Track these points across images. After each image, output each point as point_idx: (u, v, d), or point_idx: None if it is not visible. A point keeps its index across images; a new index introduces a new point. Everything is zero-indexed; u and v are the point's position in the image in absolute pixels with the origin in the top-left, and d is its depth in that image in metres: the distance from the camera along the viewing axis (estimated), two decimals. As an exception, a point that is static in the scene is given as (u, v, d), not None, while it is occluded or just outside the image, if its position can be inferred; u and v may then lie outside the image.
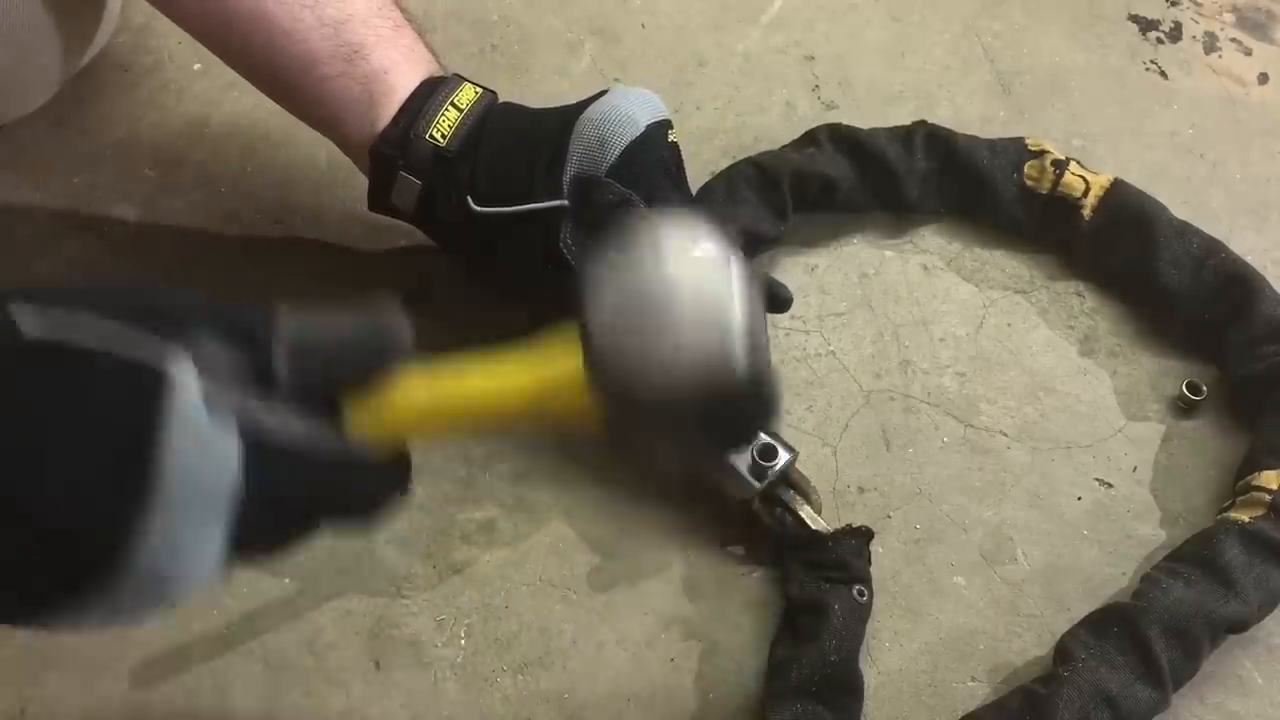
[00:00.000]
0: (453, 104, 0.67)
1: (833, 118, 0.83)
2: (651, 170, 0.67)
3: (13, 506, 0.38)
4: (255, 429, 0.41)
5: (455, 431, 0.51)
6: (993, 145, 0.81)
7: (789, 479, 0.68)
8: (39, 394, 0.38)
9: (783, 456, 0.66)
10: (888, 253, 0.82)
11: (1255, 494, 0.68)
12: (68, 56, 0.80)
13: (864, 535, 0.67)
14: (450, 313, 0.76)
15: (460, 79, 0.69)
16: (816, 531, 0.67)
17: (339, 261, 0.78)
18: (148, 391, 0.38)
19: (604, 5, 0.93)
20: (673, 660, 0.65)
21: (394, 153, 0.67)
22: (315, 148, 0.83)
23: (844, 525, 0.67)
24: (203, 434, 0.39)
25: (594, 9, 0.93)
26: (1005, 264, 0.81)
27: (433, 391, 0.48)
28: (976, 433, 0.74)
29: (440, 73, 0.70)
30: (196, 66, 0.86)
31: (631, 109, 0.67)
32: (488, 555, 0.68)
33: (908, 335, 0.78)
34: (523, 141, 0.67)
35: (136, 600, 0.40)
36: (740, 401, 0.46)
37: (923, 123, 0.81)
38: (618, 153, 0.66)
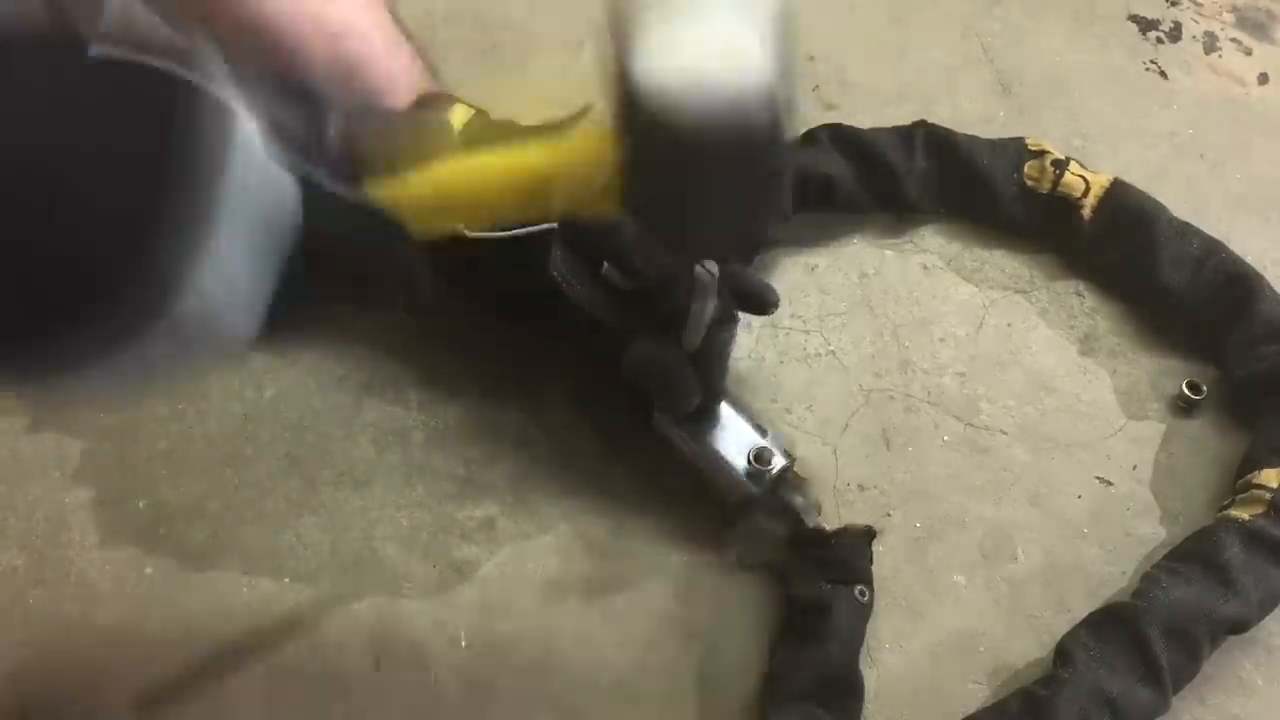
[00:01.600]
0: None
1: (833, 118, 0.83)
2: None
3: (82, 208, 0.36)
4: (309, 176, 0.41)
5: (470, 213, 0.51)
6: (993, 145, 0.81)
7: (787, 483, 0.68)
8: (116, 102, 0.37)
9: (779, 461, 0.66)
10: (888, 253, 0.82)
11: (1255, 492, 0.68)
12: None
13: (866, 535, 0.67)
14: (450, 313, 0.76)
15: (452, 99, 0.68)
16: (819, 530, 0.67)
17: (339, 261, 0.78)
18: (217, 117, 0.38)
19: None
20: (673, 660, 0.65)
21: None
22: (315, 148, 0.83)
23: (846, 524, 0.67)
24: (265, 166, 0.39)
25: (594, 9, 0.92)
26: (1005, 264, 0.81)
27: (449, 171, 0.49)
28: (977, 432, 0.74)
29: (435, 89, 0.70)
30: (197, 67, 0.86)
31: None
32: (488, 555, 0.68)
33: (908, 335, 0.78)
34: None
35: (180, 340, 0.38)
36: (769, 123, 0.45)
37: (923, 123, 0.81)
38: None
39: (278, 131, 0.41)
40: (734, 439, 0.67)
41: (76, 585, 0.66)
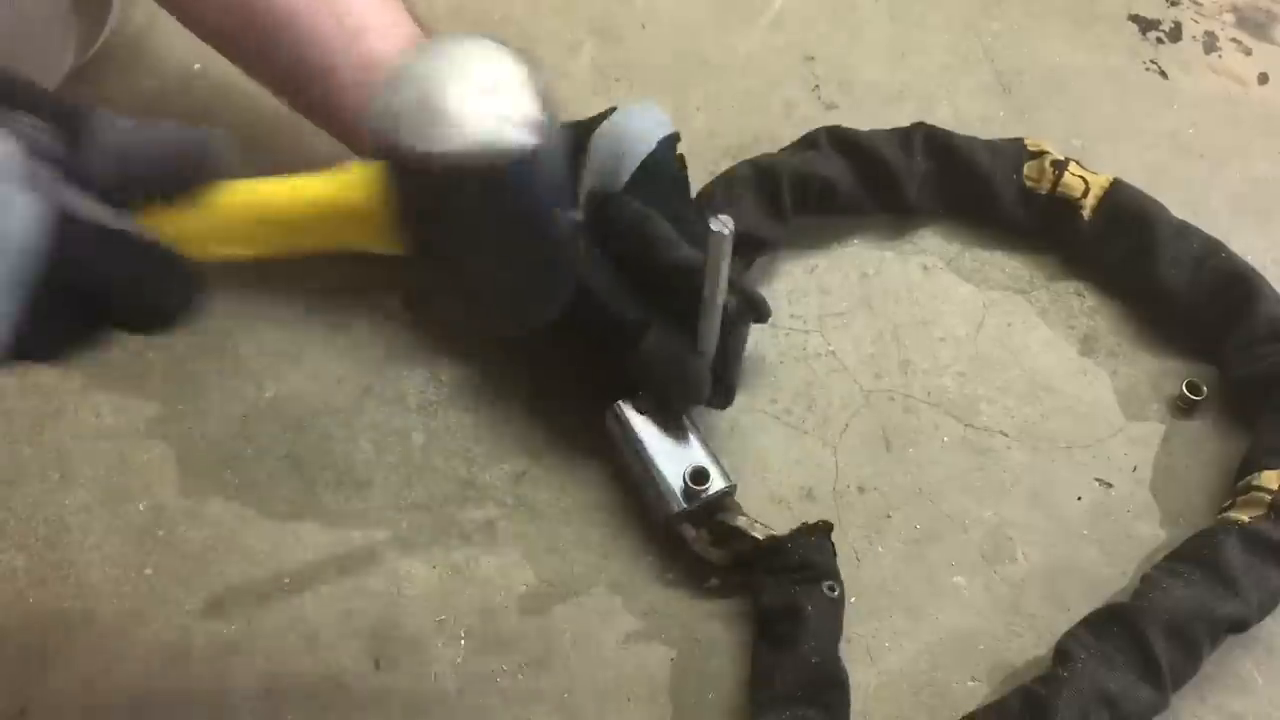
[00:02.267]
0: None
1: (833, 118, 0.83)
2: (666, 186, 0.67)
3: None
4: (62, 201, 0.40)
5: (247, 243, 0.51)
6: (992, 145, 0.81)
7: (720, 507, 0.67)
8: None
9: (716, 483, 0.66)
10: (888, 253, 0.82)
11: (1255, 494, 0.68)
12: (71, 47, 0.80)
13: (823, 530, 0.66)
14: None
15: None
16: (775, 537, 0.66)
17: (340, 261, 0.78)
18: None
19: (604, 5, 0.93)
20: (672, 660, 0.65)
21: None
22: (315, 147, 0.83)
23: (801, 524, 0.67)
24: (7, 187, 0.38)
25: (594, 9, 0.93)
26: (1005, 264, 0.81)
27: (225, 198, 0.49)
28: (976, 433, 0.74)
29: None
30: (197, 67, 0.86)
31: (644, 126, 0.68)
32: (488, 555, 0.68)
33: (908, 335, 0.78)
34: None
35: None
36: (527, 168, 0.45)
37: (922, 124, 0.81)
38: (633, 170, 0.66)
39: (35, 151, 0.40)
40: (679, 455, 0.67)
41: (76, 585, 0.66)
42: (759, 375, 0.75)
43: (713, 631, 0.66)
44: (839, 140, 0.80)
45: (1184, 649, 0.63)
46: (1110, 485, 0.73)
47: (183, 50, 0.87)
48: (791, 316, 0.78)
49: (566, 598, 0.67)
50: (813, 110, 0.88)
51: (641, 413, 0.68)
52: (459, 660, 0.65)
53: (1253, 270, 0.76)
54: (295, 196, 0.50)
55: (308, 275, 0.77)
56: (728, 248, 0.60)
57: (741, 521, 0.66)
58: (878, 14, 0.95)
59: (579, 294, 0.63)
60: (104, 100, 0.83)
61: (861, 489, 0.72)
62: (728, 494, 0.67)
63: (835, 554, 0.66)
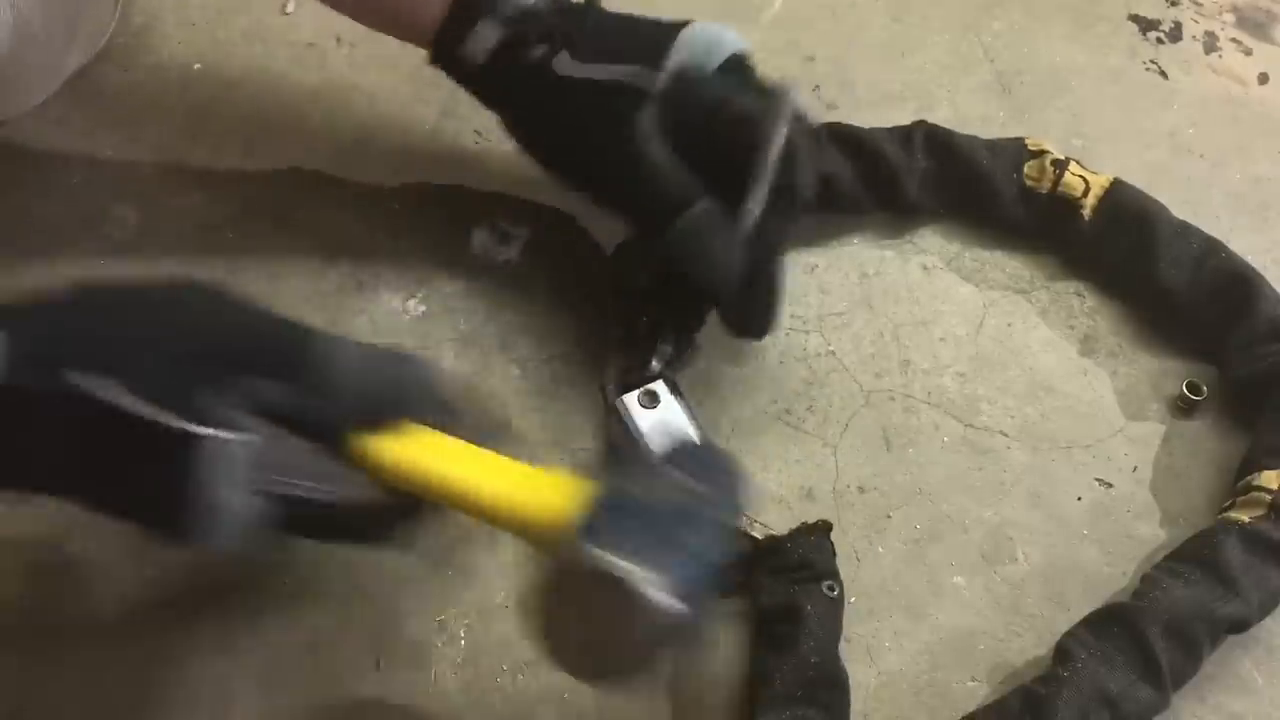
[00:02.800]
0: None
1: (833, 118, 0.83)
2: (751, 84, 0.69)
3: (109, 492, 0.52)
4: (279, 491, 0.51)
5: (431, 497, 0.55)
6: (993, 145, 0.81)
7: None
8: (113, 439, 0.50)
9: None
10: (888, 253, 0.82)
11: (1255, 494, 0.68)
12: (72, 47, 0.80)
13: (822, 530, 0.66)
14: (453, 316, 0.76)
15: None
16: (774, 537, 0.66)
17: (340, 261, 0.78)
18: (179, 453, 0.49)
19: (604, 5, 0.93)
20: (673, 660, 0.65)
21: (482, 2, 0.67)
22: (316, 147, 0.83)
23: (800, 524, 0.67)
24: (230, 490, 0.49)
25: (594, 9, 0.93)
26: (1005, 264, 0.81)
27: (431, 459, 0.54)
28: (976, 433, 0.74)
29: None
30: (197, 67, 0.86)
31: (734, 35, 0.70)
32: (488, 555, 0.68)
33: (908, 335, 0.78)
34: (627, 28, 0.69)
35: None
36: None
37: (922, 122, 0.81)
38: (721, 61, 0.68)
39: (266, 410, 0.51)
40: (670, 437, 0.67)
41: (77, 585, 0.66)
42: (759, 375, 0.75)
43: (713, 632, 0.66)
44: (839, 137, 0.80)
45: (1184, 649, 0.63)
46: (1110, 485, 0.73)
47: (183, 50, 0.87)
48: (791, 316, 0.78)
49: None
50: (812, 110, 0.87)
51: (644, 406, 0.68)
52: (459, 660, 0.65)
53: (1253, 270, 0.76)
54: (496, 499, 0.54)
55: (308, 273, 0.77)
56: (789, 108, 0.62)
57: (740, 522, 0.66)
58: (878, 14, 0.95)
59: (632, 164, 0.65)
60: (104, 100, 0.84)
61: (861, 489, 0.72)
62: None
63: (835, 554, 0.66)
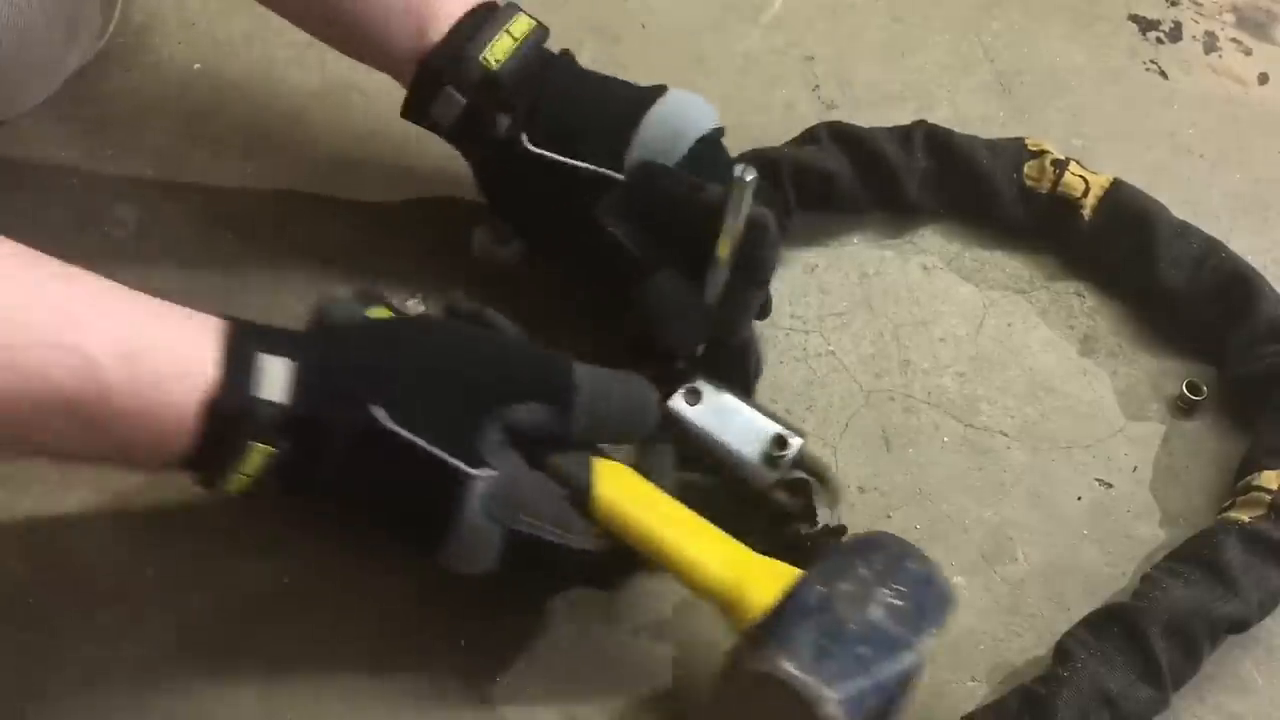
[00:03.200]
0: (508, 31, 0.67)
1: (833, 118, 0.83)
2: (718, 172, 0.67)
3: (379, 508, 0.59)
4: (512, 523, 0.56)
5: (649, 555, 0.59)
6: (993, 145, 0.81)
7: (804, 464, 0.68)
8: (389, 464, 0.56)
9: (794, 443, 0.67)
10: (888, 253, 0.82)
11: (1255, 494, 0.68)
12: (73, 47, 0.80)
13: (836, 534, 0.66)
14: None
15: (515, 8, 0.69)
16: (794, 533, 0.66)
17: (340, 262, 0.78)
18: (448, 486, 0.55)
19: (604, 5, 0.93)
20: (674, 660, 0.65)
21: (444, 66, 0.67)
22: (316, 147, 0.83)
23: (821, 525, 0.67)
24: (476, 517, 0.56)
25: (594, 9, 0.93)
26: (1005, 264, 0.81)
27: (658, 522, 0.59)
28: (976, 433, 0.74)
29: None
30: (197, 67, 0.86)
31: (702, 111, 0.69)
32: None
33: (908, 335, 0.78)
34: (592, 104, 0.69)
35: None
36: None
37: (922, 122, 0.81)
38: (688, 148, 0.67)
39: (534, 429, 0.57)
40: (746, 426, 0.68)
41: (76, 585, 0.66)
42: (759, 375, 0.75)
43: (714, 632, 0.66)
44: (839, 135, 0.80)
45: (1184, 649, 0.63)
46: (1110, 485, 0.73)
47: (183, 50, 0.87)
48: (791, 316, 0.78)
49: (566, 597, 0.67)
50: (812, 110, 0.88)
51: (691, 405, 0.69)
52: (460, 660, 0.65)
53: (1253, 270, 0.77)
54: (708, 575, 0.58)
55: (308, 274, 0.77)
56: (749, 194, 0.62)
57: (817, 497, 0.67)
58: (878, 14, 0.95)
59: (594, 243, 0.66)
60: (104, 100, 0.84)
61: (861, 489, 0.72)
62: (804, 448, 0.68)
63: None
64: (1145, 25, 0.96)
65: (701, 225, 0.65)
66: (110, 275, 0.75)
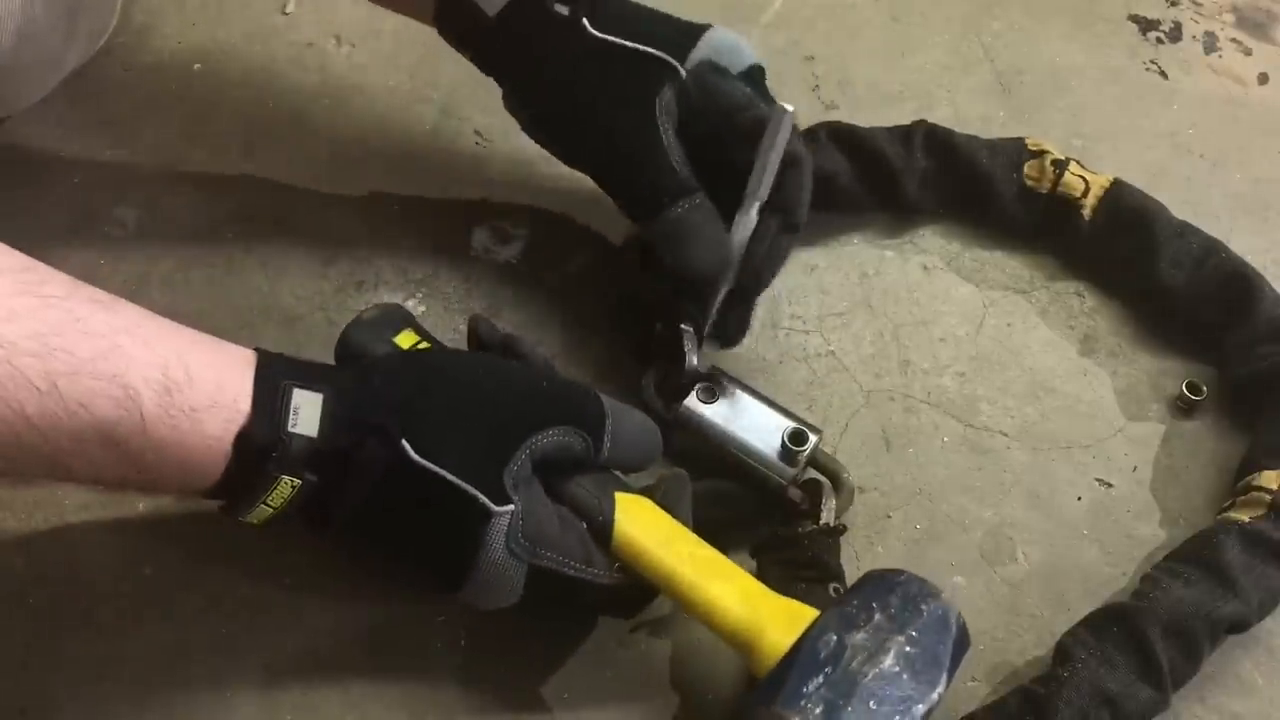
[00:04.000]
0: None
1: (833, 118, 0.83)
2: (763, 95, 0.70)
3: (402, 556, 0.60)
4: (536, 559, 0.57)
5: (667, 592, 0.60)
6: (992, 145, 0.81)
7: (818, 461, 0.69)
8: (415, 497, 0.56)
9: (812, 438, 0.67)
10: (888, 253, 0.82)
11: (1255, 494, 0.68)
12: (72, 46, 0.80)
13: (836, 532, 0.67)
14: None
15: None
16: (792, 531, 0.66)
17: (340, 261, 0.78)
18: (473, 521, 0.55)
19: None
20: (673, 659, 0.65)
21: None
22: (316, 147, 0.83)
23: (820, 524, 0.67)
24: (504, 554, 0.56)
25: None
26: (1005, 264, 0.81)
27: (676, 560, 0.59)
28: (976, 433, 0.74)
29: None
30: (197, 66, 0.86)
31: (749, 47, 0.71)
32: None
33: (908, 335, 0.78)
34: (651, 13, 0.70)
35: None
36: None
37: (922, 122, 0.81)
38: (742, 68, 0.70)
39: (571, 457, 0.59)
40: (762, 422, 0.68)
41: (76, 584, 0.66)
42: (759, 375, 0.75)
43: (711, 634, 0.66)
44: (839, 135, 0.80)
45: (1184, 649, 0.63)
46: (1110, 485, 0.73)
47: (183, 50, 0.87)
48: (791, 317, 0.78)
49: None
50: (812, 110, 0.88)
51: (707, 403, 0.69)
52: (459, 660, 0.65)
53: (1253, 270, 0.76)
54: (711, 605, 0.58)
55: (309, 275, 0.77)
56: (787, 128, 0.63)
57: (827, 499, 0.68)
58: (878, 14, 0.95)
59: (643, 141, 0.66)
60: (104, 99, 0.84)
61: (861, 489, 0.72)
62: (818, 445, 0.68)
63: (840, 555, 0.67)
64: (1145, 25, 0.96)
65: (743, 145, 0.65)
66: (110, 274, 0.76)
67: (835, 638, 0.53)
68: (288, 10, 0.90)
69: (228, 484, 0.54)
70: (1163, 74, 0.93)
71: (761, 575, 0.65)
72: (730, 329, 0.72)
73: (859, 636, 0.53)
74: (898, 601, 0.55)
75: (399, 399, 0.57)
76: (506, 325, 0.76)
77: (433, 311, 0.76)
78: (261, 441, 0.53)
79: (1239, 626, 0.65)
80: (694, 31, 0.68)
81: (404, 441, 0.55)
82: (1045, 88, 0.91)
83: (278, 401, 0.53)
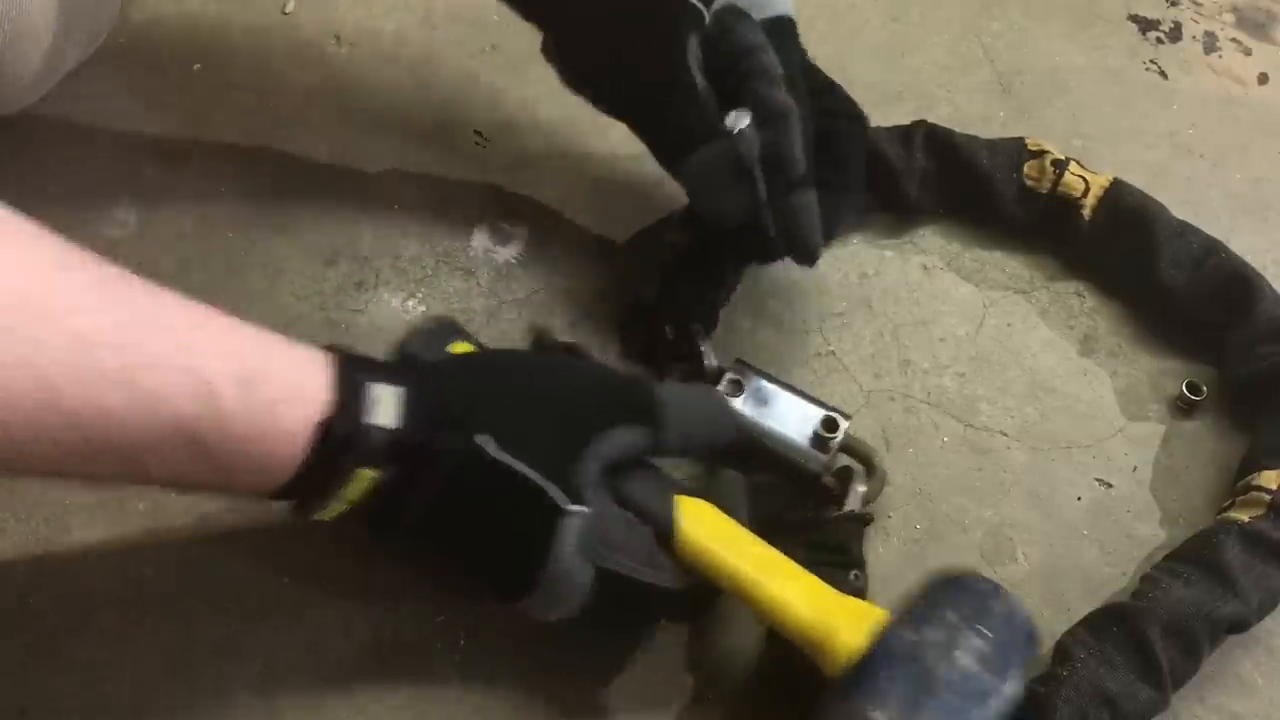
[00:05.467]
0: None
1: (833, 118, 0.83)
2: (786, 48, 0.68)
3: (465, 552, 0.58)
4: (604, 561, 0.57)
5: (733, 593, 0.59)
6: (992, 145, 0.81)
7: (850, 447, 0.69)
8: (489, 492, 0.55)
9: (843, 425, 0.68)
10: (888, 253, 0.82)
11: (1255, 494, 0.68)
12: (72, 45, 0.80)
13: (863, 520, 0.67)
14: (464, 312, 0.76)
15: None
16: (817, 514, 0.67)
17: (340, 261, 0.78)
18: (547, 518, 0.55)
19: None
20: (673, 658, 0.65)
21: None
22: (316, 147, 0.83)
23: (847, 510, 0.67)
24: (574, 556, 0.55)
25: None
26: (1005, 264, 0.81)
27: (741, 561, 0.58)
28: (976, 433, 0.74)
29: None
30: (196, 67, 0.86)
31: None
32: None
33: (908, 335, 0.78)
34: None
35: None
36: None
37: (922, 122, 0.81)
38: (771, 15, 0.68)
39: (634, 450, 0.59)
40: (792, 412, 0.68)
41: (76, 585, 0.66)
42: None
43: (713, 630, 0.66)
44: (839, 138, 0.80)
45: (1184, 649, 0.63)
46: (1110, 485, 0.73)
47: (183, 50, 0.87)
48: (792, 317, 0.78)
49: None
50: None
51: (734, 396, 0.69)
52: (459, 660, 0.65)
53: (1252, 270, 0.76)
54: (794, 617, 0.57)
55: (309, 275, 0.77)
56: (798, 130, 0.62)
57: (858, 483, 0.68)
58: (877, 14, 0.95)
59: (670, 84, 0.65)
60: (104, 99, 0.84)
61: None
62: (848, 430, 0.69)
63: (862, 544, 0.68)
64: (1145, 25, 0.96)
65: (742, 80, 0.65)
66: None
67: (911, 634, 0.53)
68: (288, 10, 0.90)
69: (304, 478, 0.53)
70: (1163, 74, 0.93)
71: (784, 553, 0.65)
72: (797, 243, 0.69)
73: (934, 633, 0.53)
74: (968, 600, 0.55)
75: (475, 395, 0.57)
76: (507, 325, 0.76)
77: (433, 311, 0.76)
78: (342, 432, 0.52)
79: (1239, 626, 0.65)
80: None
81: (482, 436, 0.55)
82: (1045, 88, 0.91)
83: (357, 394, 0.53)
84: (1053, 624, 0.67)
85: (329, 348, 0.56)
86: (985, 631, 0.54)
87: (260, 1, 0.90)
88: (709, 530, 0.60)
